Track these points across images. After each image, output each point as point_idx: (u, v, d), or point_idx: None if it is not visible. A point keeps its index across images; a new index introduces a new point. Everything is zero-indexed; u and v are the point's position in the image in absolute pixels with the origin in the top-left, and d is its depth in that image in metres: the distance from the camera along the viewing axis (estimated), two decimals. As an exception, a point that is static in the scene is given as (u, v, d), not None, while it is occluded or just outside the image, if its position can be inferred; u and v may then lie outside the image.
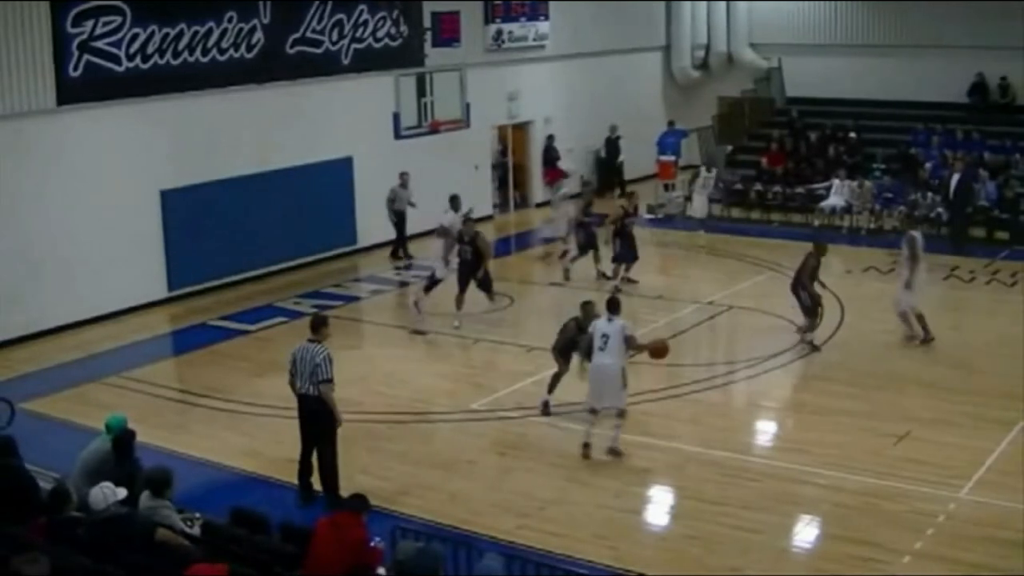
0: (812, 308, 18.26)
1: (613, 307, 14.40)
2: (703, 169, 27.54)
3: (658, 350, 14.81)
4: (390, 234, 25.01)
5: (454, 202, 21.30)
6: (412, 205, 24.53)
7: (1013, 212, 25.39)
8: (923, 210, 25.81)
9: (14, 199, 19.23)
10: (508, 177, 30.18)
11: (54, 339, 19.54)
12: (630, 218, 22.37)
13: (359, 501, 10.06)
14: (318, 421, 12.87)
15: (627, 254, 22.11)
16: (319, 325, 13.16)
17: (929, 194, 26.09)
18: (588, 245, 22.62)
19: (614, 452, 14.20)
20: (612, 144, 31.78)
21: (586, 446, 14.20)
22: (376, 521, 10.63)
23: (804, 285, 18.12)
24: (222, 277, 22.46)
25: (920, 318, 18.34)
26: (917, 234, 18.63)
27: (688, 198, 28.36)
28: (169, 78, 20.97)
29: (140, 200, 21.05)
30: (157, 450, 13.36)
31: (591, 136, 31.57)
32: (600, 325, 14.26)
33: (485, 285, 20.04)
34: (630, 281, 22.13)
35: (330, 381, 12.75)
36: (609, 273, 22.35)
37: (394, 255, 24.89)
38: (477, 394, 16.69)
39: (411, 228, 24.94)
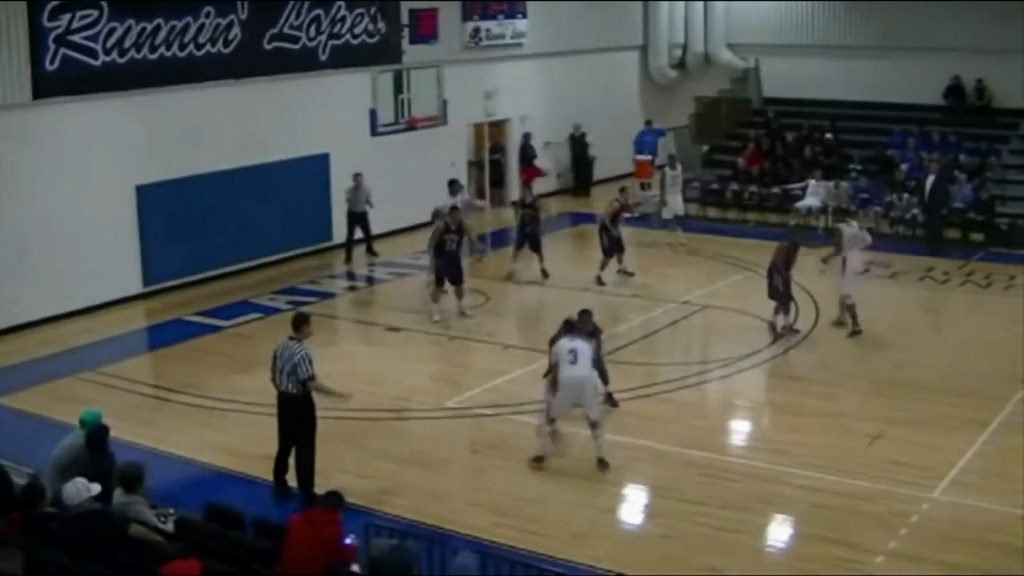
0: (785, 294, 18.44)
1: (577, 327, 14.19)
2: (667, 168, 27.30)
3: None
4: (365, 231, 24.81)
5: (452, 186, 21.28)
6: (371, 205, 24.29)
7: (988, 214, 25.54)
8: (899, 211, 25.95)
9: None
10: (485, 174, 30.11)
11: (29, 333, 19.38)
12: (624, 212, 22.63)
13: (334, 498, 10.02)
14: (296, 419, 12.81)
15: (616, 246, 22.31)
16: (300, 323, 13.00)
17: (905, 195, 26.21)
18: (532, 247, 22.78)
19: (604, 464, 13.73)
20: (577, 142, 31.77)
21: (539, 459, 13.80)
22: (352, 518, 10.59)
23: (780, 271, 18.46)
24: (198, 272, 22.33)
25: (851, 308, 18.63)
26: (842, 226, 19.07)
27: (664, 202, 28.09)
28: (146, 73, 20.85)
29: (116, 195, 20.90)
30: (132, 446, 13.26)
31: (567, 134, 31.56)
32: (565, 342, 13.78)
33: (458, 278, 20.00)
34: (627, 273, 22.44)
35: (313, 378, 12.68)
36: (548, 271, 22.56)
37: (369, 251, 24.75)
38: (453, 391, 16.65)
39: (382, 227, 24.85)
